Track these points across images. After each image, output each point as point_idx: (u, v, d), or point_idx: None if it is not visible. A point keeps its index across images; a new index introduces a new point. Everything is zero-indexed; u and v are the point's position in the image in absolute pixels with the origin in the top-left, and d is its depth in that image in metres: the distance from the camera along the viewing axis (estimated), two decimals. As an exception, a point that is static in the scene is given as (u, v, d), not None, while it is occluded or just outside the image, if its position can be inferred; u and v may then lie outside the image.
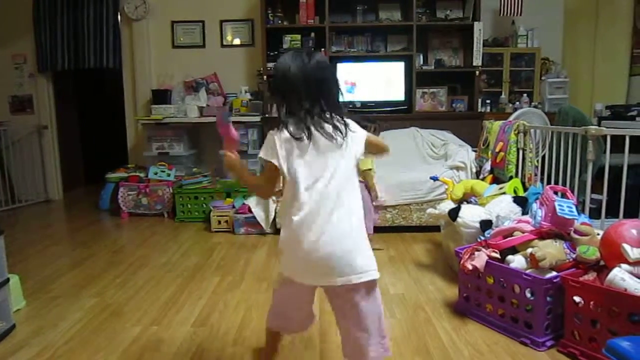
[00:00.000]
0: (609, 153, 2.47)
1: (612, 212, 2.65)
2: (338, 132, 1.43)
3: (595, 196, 3.66)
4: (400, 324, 2.23)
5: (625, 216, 2.48)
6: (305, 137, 1.40)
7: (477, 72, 4.79)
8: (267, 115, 4.78)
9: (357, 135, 1.50)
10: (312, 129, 1.41)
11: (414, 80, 4.79)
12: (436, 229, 3.53)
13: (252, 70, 5.15)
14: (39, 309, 2.48)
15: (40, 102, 5.30)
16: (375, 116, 4.76)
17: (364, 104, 4.82)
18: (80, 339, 2.14)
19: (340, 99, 1.50)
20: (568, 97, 4.96)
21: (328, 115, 1.44)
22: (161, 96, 4.91)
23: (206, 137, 5.14)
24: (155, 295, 2.62)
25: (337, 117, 1.45)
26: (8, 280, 2.26)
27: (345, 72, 4.79)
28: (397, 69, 4.80)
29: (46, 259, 3.34)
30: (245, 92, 5.00)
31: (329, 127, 1.43)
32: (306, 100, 1.42)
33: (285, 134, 1.41)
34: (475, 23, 4.66)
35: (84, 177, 6.28)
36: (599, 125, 4.47)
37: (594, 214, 2.78)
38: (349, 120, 1.49)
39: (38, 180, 5.37)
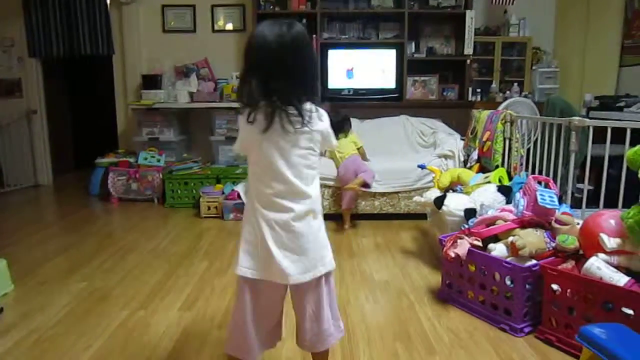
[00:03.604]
0: (590, 143, 2.50)
1: (600, 202, 2.66)
2: (305, 119, 1.31)
3: (580, 186, 3.71)
4: (383, 310, 2.27)
5: (611, 206, 2.51)
6: (264, 122, 1.30)
7: (468, 61, 4.81)
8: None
9: (323, 126, 1.39)
10: (276, 113, 1.29)
11: (405, 68, 4.79)
12: (424, 216, 3.58)
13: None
14: (27, 293, 2.50)
15: (29, 86, 5.24)
16: (367, 104, 4.81)
17: (356, 92, 4.83)
18: (67, 322, 2.17)
19: (316, 82, 1.39)
20: (558, 87, 4.99)
21: (298, 98, 1.31)
22: (151, 81, 4.87)
23: (196, 122, 5.13)
24: (143, 280, 2.64)
25: (309, 102, 1.34)
26: (-5, 264, 2.28)
27: (337, 59, 4.78)
28: (389, 56, 4.80)
29: (35, 243, 3.35)
30: (236, 77, 4.98)
31: (295, 113, 1.30)
32: (277, 77, 1.28)
33: (245, 116, 1.32)
34: (467, 11, 4.66)
35: (73, 162, 6.25)
36: (587, 115, 4.53)
37: (580, 204, 2.81)
38: (322, 111, 1.39)
39: (27, 164, 5.33)
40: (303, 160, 1.37)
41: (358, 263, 2.90)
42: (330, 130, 1.44)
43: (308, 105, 1.34)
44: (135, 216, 4.08)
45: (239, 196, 3.92)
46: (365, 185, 3.56)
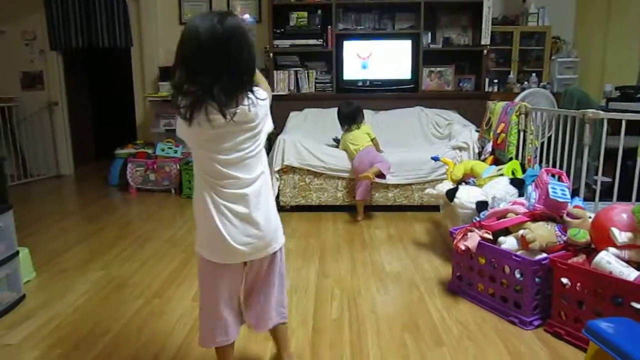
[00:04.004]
0: (605, 136, 2.47)
1: (621, 195, 2.61)
2: (229, 111, 1.30)
3: (598, 178, 3.66)
4: (394, 301, 2.29)
5: (630, 199, 2.47)
6: (197, 118, 1.31)
7: (485, 51, 4.75)
8: (273, 93, 4.80)
9: (256, 111, 1.37)
10: (202, 106, 1.29)
11: (421, 59, 4.76)
12: (437, 208, 3.58)
13: (258, 47, 5.13)
14: (48, 280, 2.59)
15: (51, 78, 5.36)
16: (383, 95, 4.80)
17: (371, 83, 4.82)
18: (86, 309, 2.24)
19: (251, 72, 1.36)
20: (578, 77, 4.91)
21: (233, 90, 1.30)
22: (169, 73, 4.92)
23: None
24: (159, 269, 2.71)
25: (246, 91, 1.34)
26: (18, 252, 2.36)
27: (352, 50, 4.77)
28: (404, 47, 4.76)
29: (56, 232, 3.45)
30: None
31: (232, 104, 1.30)
32: (208, 72, 1.27)
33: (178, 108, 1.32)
34: (485, 1, 4.59)
35: (94, 153, 6.39)
36: (606, 106, 4.44)
37: (601, 197, 2.76)
38: (258, 94, 1.37)
39: (49, 155, 5.48)
40: (240, 153, 1.39)
41: (370, 254, 2.93)
42: (267, 112, 1.42)
43: (242, 96, 1.33)
44: (152, 206, 4.16)
45: (253, 187, 3.96)
46: (381, 175, 3.57)
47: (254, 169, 1.43)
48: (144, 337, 1.98)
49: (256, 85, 1.39)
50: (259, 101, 1.37)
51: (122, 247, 3.10)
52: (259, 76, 1.45)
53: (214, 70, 1.28)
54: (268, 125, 1.46)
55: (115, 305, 2.27)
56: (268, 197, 1.49)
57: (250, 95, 1.35)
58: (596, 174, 3.58)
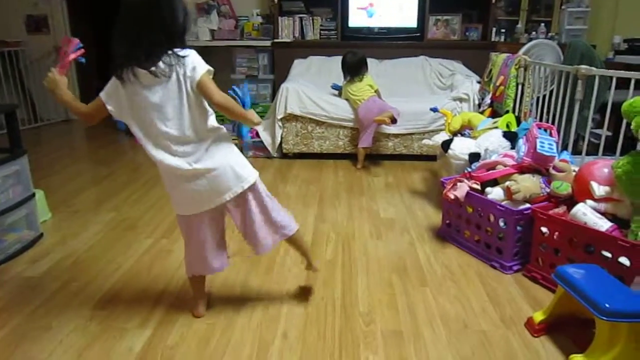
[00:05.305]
0: (595, 92, 2.50)
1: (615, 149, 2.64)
2: (170, 67, 1.45)
3: (597, 131, 3.70)
4: (385, 245, 2.45)
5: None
6: (129, 78, 1.46)
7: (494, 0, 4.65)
8: (277, 40, 4.80)
9: (194, 69, 1.48)
10: (137, 69, 1.44)
11: (428, 6, 4.69)
12: (435, 158, 3.68)
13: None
14: (63, 220, 2.77)
15: (56, 22, 5.36)
16: (387, 44, 4.76)
17: (376, 30, 4.78)
18: (99, 247, 2.43)
19: (180, 29, 1.49)
20: (587, 28, 4.81)
21: (159, 50, 1.44)
22: (173, 18, 4.91)
23: (218, 60, 5.17)
24: (166, 212, 2.87)
25: (172, 51, 1.45)
26: (34, 194, 2.52)
27: (358, -4, 4.70)
28: (411, -7, 4.68)
29: (68, 175, 3.61)
30: (257, 15, 4.97)
31: (160, 64, 1.44)
32: (134, 36, 1.43)
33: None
34: (496, -54, 4.45)
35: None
36: (613, 59, 4.40)
37: (595, 150, 2.78)
38: (189, 52, 1.49)
39: (58, 100, 5.56)
40: (180, 110, 1.50)
41: (367, 201, 3.06)
42: (196, 66, 1.49)
43: (166, 56, 1.45)
44: (160, 152, 4.28)
45: (257, 134, 4.07)
46: (393, 120, 3.63)
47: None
48: (153, 273, 2.16)
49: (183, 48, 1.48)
50: (186, 53, 1.48)
51: (131, 190, 3.26)
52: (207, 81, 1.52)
53: (143, 32, 1.43)
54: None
55: (126, 244, 2.45)
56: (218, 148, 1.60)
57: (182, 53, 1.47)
58: (596, 128, 3.63)
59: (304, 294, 1.97)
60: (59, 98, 1.59)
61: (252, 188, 1.65)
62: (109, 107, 1.53)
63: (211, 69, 1.52)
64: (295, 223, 1.81)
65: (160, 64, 1.44)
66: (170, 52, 1.45)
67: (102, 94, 1.53)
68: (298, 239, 1.86)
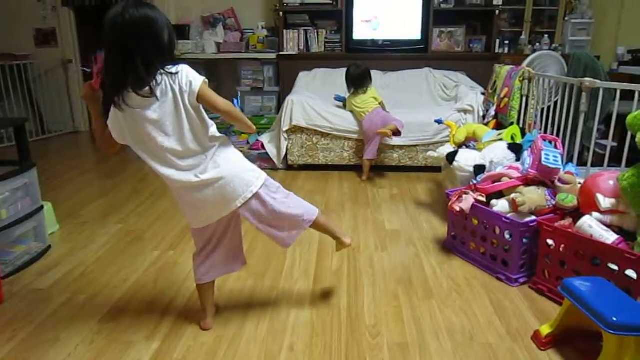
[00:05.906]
0: (600, 103, 2.51)
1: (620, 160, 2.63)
2: (165, 85, 1.47)
3: (602, 142, 3.71)
4: (390, 257, 2.45)
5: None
6: (121, 106, 1.47)
7: (497, 11, 4.69)
8: (282, 52, 4.84)
9: (190, 83, 1.49)
10: (128, 94, 1.45)
11: (432, 18, 4.72)
12: (440, 169, 3.68)
13: (269, 5, 5.14)
14: (71, 232, 2.79)
15: (64, 35, 5.44)
16: (392, 55, 4.80)
17: (380, 43, 4.82)
18: (106, 259, 2.44)
19: (164, 49, 1.48)
20: (591, 39, 4.83)
21: (149, 72, 1.44)
22: (180, 32, 4.98)
23: (224, 73, 5.25)
24: (173, 224, 2.89)
25: (163, 69, 1.46)
26: (42, 207, 2.54)
27: (362, 9, 4.75)
28: (415, 7, 4.73)
29: (76, 187, 3.65)
30: (262, 27, 5.03)
31: (152, 84, 1.45)
32: (118, 66, 1.44)
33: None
34: (498, -41, 4.50)
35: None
36: (617, 70, 4.41)
37: (600, 161, 2.77)
38: (181, 68, 1.49)
39: (65, 112, 5.64)
40: (180, 125, 1.52)
41: (372, 212, 3.07)
42: (192, 80, 1.49)
43: (158, 75, 1.46)
44: (166, 163, 4.31)
45: (263, 146, 4.10)
46: (397, 132, 3.66)
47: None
48: (160, 285, 2.17)
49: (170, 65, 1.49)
50: (178, 69, 1.49)
51: (138, 202, 3.28)
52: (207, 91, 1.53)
53: (128, 56, 1.42)
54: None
55: (133, 256, 2.47)
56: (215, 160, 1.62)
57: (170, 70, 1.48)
58: (601, 139, 3.63)
59: (310, 305, 1.98)
60: (91, 110, 1.62)
61: (262, 189, 1.67)
62: (113, 134, 1.56)
63: (206, 79, 1.53)
64: (314, 208, 1.82)
65: (153, 84, 1.45)
66: (162, 71, 1.47)
67: (108, 121, 1.54)
68: (321, 223, 1.85)
